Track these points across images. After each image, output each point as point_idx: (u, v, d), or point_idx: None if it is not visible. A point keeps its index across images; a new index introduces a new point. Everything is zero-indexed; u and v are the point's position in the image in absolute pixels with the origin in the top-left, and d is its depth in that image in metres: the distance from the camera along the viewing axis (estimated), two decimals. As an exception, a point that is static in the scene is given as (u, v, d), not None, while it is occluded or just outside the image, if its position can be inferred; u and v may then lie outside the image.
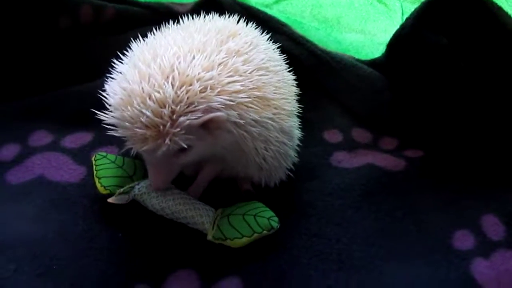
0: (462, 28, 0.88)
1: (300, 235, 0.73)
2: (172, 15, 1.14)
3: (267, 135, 0.70)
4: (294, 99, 0.77)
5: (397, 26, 1.07)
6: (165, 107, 0.59)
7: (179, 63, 0.62)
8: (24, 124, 0.91)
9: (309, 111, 0.81)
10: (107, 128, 0.84)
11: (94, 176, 0.76)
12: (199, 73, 0.61)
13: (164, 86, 0.60)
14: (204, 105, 0.61)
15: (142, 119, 0.59)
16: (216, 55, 0.64)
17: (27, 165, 0.83)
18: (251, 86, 0.66)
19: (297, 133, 0.78)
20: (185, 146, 0.61)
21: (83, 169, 0.82)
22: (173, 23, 0.75)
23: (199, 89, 0.60)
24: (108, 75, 0.97)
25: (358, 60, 1.08)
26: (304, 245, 0.71)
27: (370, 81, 1.00)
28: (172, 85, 0.60)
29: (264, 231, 0.69)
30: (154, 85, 0.60)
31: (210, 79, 0.62)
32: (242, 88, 0.64)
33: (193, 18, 0.75)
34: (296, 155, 0.79)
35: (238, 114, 0.64)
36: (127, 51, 1.06)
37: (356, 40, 1.11)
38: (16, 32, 1.01)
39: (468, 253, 0.70)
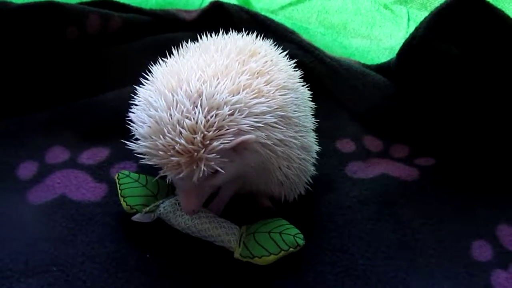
0: (472, 37, 0.90)
1: (324, 251, 0.74)
2: (179, 22, 1.14)
3: (290, 153, 0.71)
4: (311, 114, 0.78)
5: (403, 32, 1.09)
6: (196, 133, 0.60)
7: (205, 88, 0.62)
8: (39, 140, 0.92)
9: (319, 120, 0.82)
10: (123, 143, 0.84)
11: (119, 195, 0.76)
12: (226, 97, 0.62)
13: (193, 112, 0.61)
14: (234, 128, 0.62)
15: (176, 147, 0.60)
16: (240, 77, 0.65)
17: (47, 184, 0.83)
18: (275, 107, 0.67)
19: (315, 147, 0.80)
20: (220, 170, 0.62)
21: (103, 186, 0.83)
22: (191, 42, 0.75)
23: (228, 112, 0.62)
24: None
25: (364, 65, 1.09)
26: (329, 261, 0.73)
27: (378, 88, 1.01)
28: (201, 111, 0.61)
29: (291, 249, 0.70)
30: (183, 111, 0.61)
31: (238, 102, 0.63)
32: (267, 109, 0.65)
33: (211, 35, 0.76)
34: (314, 169, 0.80)
35: (265, 135, 0.65)
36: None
37: (362, 45, 1.13)
38: (25, 45, 1.00)
39: (488, 264, 0.73)
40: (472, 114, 0.91)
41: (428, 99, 0.95)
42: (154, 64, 0.72)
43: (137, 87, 0.70)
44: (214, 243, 0.73)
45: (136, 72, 1.02)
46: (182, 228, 0.73)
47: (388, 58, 1.09)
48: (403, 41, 1.00)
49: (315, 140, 0.80)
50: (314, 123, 0.79)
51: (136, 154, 0.65)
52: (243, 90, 0.64)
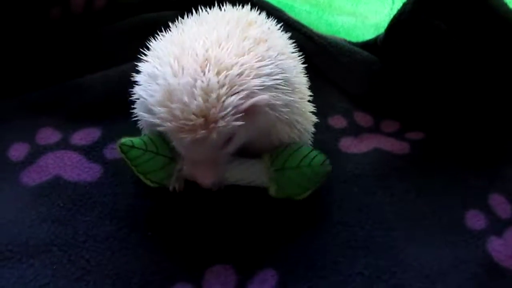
0: (459, 13, 0.91)
1: (325, 223, 0.75)
2: (164, 1, 1.13)
3: (292, 118, 0.72)
4: (306, 86, 0.79)
5: (388, 9, 1.10)
6: (210, 92, 0.60)
7: (212, 52, 0.62)
8: (28, 121, 0.90)
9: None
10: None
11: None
12: (233, 60, 0.62)
13: (202, 75, 0.60)
14: (244, 89, 0.62)
15: (193, 109, 0.59)
16: (243, 42, 0.65)
17: (40, 165, 0.82)
18: (279, 70, 0.67)
19: (314, 118, 0.80)
20: (237, 124, 0.61)
21: (98, 167, 0.82)
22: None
23: (238, 72, 0.61)
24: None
25: (351, 42, 1.10)
26: (330, 233, 0.74)
27: (367, 65, 1.02)
28: (212, 72, 0.61)
29: (323, 179, 0.73)
30: (191, 74, 0.60)
31: (245, 63, 0.63)
32: (272, 71, 0.66)
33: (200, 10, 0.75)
34: (311, 142, 0.81)
35: (274, 95, 0.66)
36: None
37: (347, 22, 1.14)
38: (9, 27, 0.98)
39: (482, 232, 0.75)
40: (460, 88, 0.93)
41: (416, 75, 0.96)
42: (142, 44, 0.72)
43: (124, 67, 0.68)
44: (249, 184, 0.73)
45: (123, 52, 1.02)
46: None
47: (374, 35, 1.10)
48: (388, 18, 1.01)
49: (312, 111, 0.80)
50: (310, 95, 0.79)
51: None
52: (248, 54, 0.64)
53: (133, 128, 0.80)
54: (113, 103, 0.92)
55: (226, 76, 0.61)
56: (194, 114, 0.60)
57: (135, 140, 0.74)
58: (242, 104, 0.61)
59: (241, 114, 0.61)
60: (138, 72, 0.68)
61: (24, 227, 0.72)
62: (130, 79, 0.69)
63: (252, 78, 0.62)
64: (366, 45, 1.09)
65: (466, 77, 0.92)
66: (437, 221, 0.77)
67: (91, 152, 0.85)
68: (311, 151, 0.74)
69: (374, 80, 1.01)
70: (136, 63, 0.69)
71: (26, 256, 0.69)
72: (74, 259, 0.69)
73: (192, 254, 0.71)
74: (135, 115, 0.72)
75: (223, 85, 0.60)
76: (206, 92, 0.60)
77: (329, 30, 1.14)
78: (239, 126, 0.62)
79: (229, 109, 0.60)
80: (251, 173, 0.73)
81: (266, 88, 0.64)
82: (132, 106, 0.73)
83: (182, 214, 0.75)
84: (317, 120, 0.81)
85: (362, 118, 0.97)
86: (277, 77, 0.66)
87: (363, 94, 1.00)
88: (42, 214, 0.74)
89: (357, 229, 0.75)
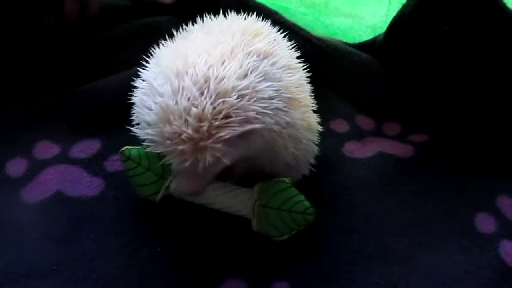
0: (460, 13, 0.91)
1: (336, 232, 0.74)
2: (158, 6, 1.11)
3: (297, 134, 0.71)
4: (311, 95, 0.78)
5: (385, 10, 1.09)
6: (203, 121, 0.58)
7: (212, 73, 0.60)
8: (23, 135, 0.87)
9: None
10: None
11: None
12: (234, 83, 0.60)
13: (200, 100, 0.58)
14: (242, 117, 0.59)
15: (183, 136, 0.58)
16: (247, 59, 0.63)
17: (40, 181, 0.80)
18: (282, 89, 0.65)
19: (318, 127, 0.79)
20: (225, 161, 0.60)
21: (100, 181, 0.80)
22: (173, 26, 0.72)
23: (236, 100, 0.59)
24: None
25: (348, 44, 1.09)
26: (342, 242, 0.73)
27: (366, 67, 1.01)
28: (208, 98, 0.58)
29: (302, 227, 0.70)
30: (189, 98, 0.58)
31: (245, 88, 0.60)
32: (275, 93, 0.64)
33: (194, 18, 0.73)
34: (317, 149, 0.79)
35: (273, 120, 0.64)
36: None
37: (344, 24, 1.13)
38: (2, 35, 0.95)
39: (494, 236, 0.74)
40: (464, 90, 0.92)
41: (418, 76, 0.96)
42: (138, 50, 0.70)
43: (121, 75, 0.66)
44: (231, 213, 0.72)
45: (118, 60, 0.99)
46: (198, 200, 0.72)
47: (371, 36, 1.10)
48: (385, 19, 1.01)
49: (316, 120, 0.79)
50: (313, 104, 0.78)
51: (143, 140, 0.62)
52: (250, 73, 0.62)
53: (133, 137, 0.78)
54: (112, 112, 0.90)
55: (223, 103, 0.58)
56: (184, 140, 0.58)
57: (133, 151, 0.74)
58: (234, 131, 0.59)
59: (230, 147, 0.60)
60: (136, 79, 0.66)
61: (29, 247, 0.70)
62: (129, 87, 0.66)
63: (252, 103, 0.60)
64: (364, 46, 1.08)
65: (470, 79, 0.91)
66: (447, 225, 0.76)
67: (92, 165, 0.83)
68: (296, 194, 0.70)
69: (373, 81, 1.00)
70: (134, 70, 0.66)
71: (32, 278, 0.67)
72: (81, 279, 0.67)
73: (203, 269, 0.69)
74: (134, 123, 0.70)
75: (219, 113, 0.58)
76: (200, 120, 0.58)
77: (325, 32, 1.13)
78: (230, 151, 0.60)
79: (219, 141, 0.58)
80: (236, 203, 0.71)
81: (266, 113, 0.62)
82: (132, 113, 0.70)
83: (192, 228, 0.73)
84: (322, 129, 0.79)
85: (364, 122, 0.96)
86: (279, 99, 0.64)
87: (364, 97, 0.99)
88: (46, 233, 0.72)
89: (367, 236, 0.74)
